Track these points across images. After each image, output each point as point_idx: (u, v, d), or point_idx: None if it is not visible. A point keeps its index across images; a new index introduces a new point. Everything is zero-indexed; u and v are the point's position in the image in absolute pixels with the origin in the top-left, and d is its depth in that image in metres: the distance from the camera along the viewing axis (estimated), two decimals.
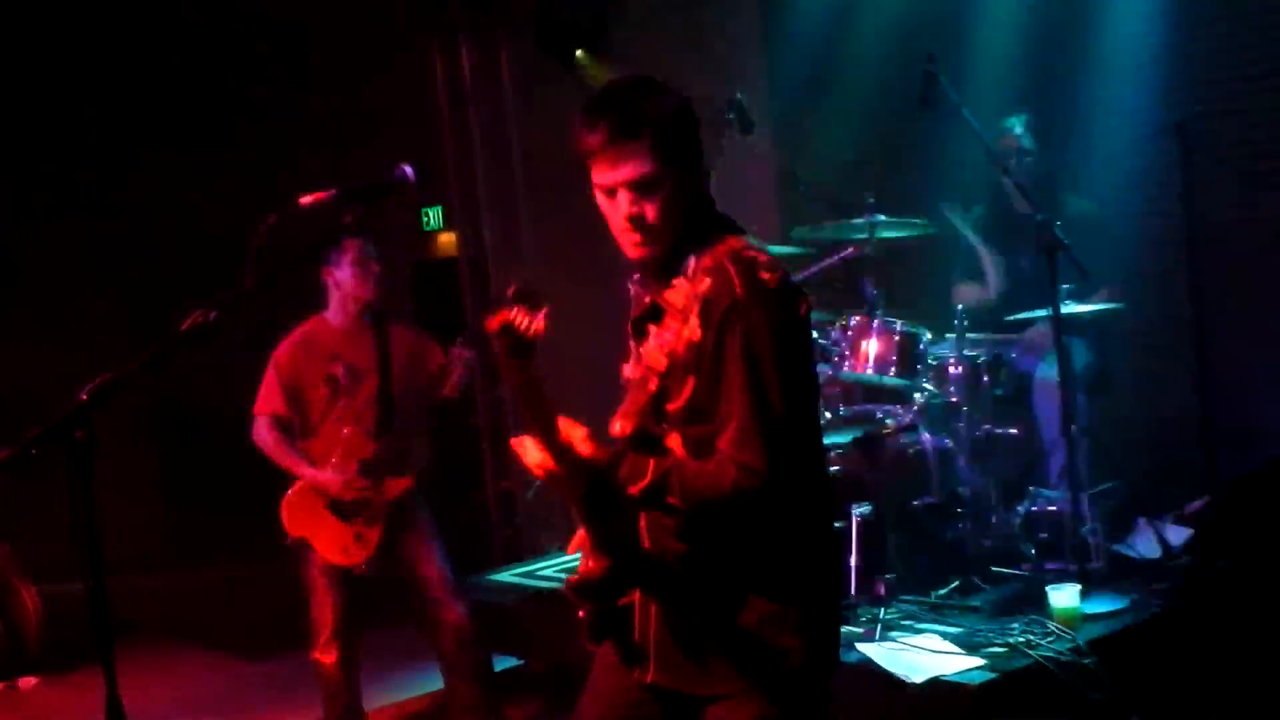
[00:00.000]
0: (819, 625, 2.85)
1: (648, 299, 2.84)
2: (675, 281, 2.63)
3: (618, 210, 2.77)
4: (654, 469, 2.67)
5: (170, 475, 10.46)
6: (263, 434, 5.44)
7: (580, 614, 2.88)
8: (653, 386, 2.67)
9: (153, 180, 9.87)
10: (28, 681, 7.35)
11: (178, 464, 10.32)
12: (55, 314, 9.72)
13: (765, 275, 2.70)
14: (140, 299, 9.73)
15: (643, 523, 2.82)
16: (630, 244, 2.80)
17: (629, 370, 2.89)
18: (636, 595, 2.86)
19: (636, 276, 2.94)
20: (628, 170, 2.72)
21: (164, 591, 9.19)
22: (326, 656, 5.45)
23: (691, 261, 2.77)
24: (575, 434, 2.63)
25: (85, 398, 2.69)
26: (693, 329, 2.57)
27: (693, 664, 2.83)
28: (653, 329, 2.65)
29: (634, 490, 2.66)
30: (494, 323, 2.46)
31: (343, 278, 5.38)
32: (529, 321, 2.46)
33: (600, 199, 2.81)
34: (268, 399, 5.44)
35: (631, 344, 2.89)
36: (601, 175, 2.76)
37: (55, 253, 9.87)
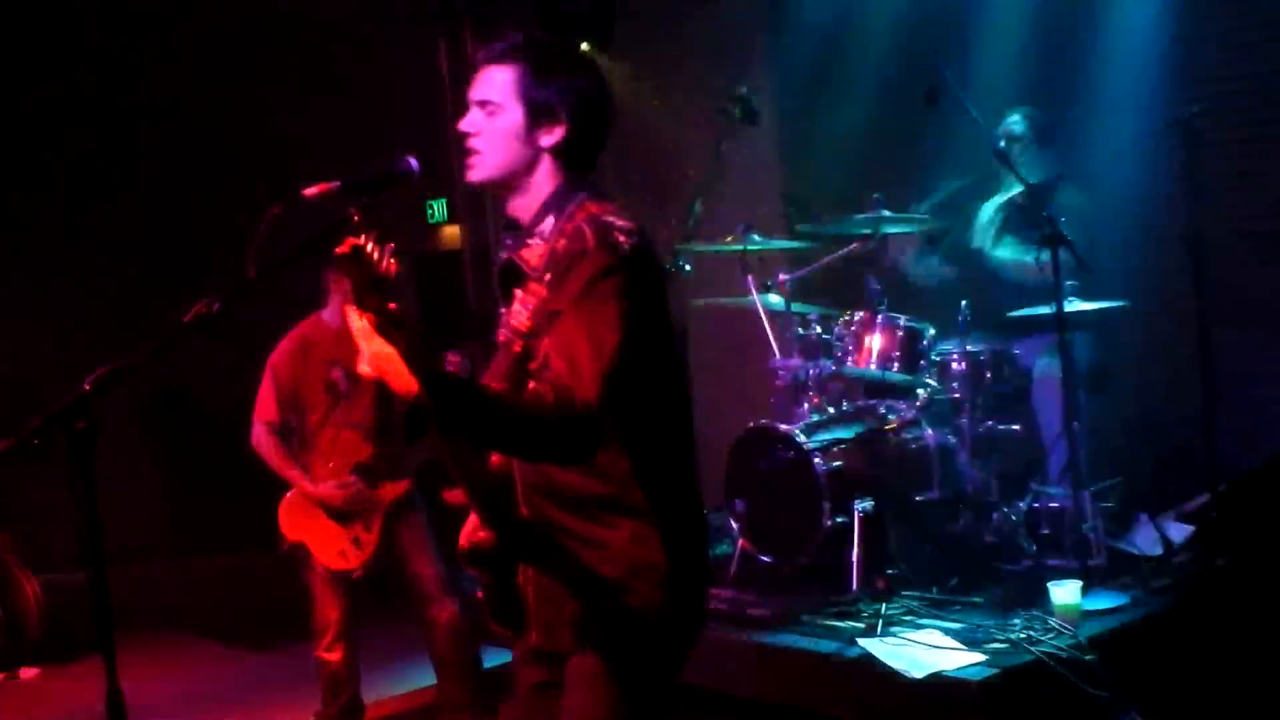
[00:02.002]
0: (682, 555, 2.89)
1: (504, 256, 2.94)
2: (531, 242, 2.83)
3: None
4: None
5: (172, 465, 10.45)
6: (261, 441, 5.46)
7: (479, 594, 2.98)
8: (517, 348, 2.80)
9: (155, 172, 9.87)
10: (29, 671, 7.36)
11: (180, 454, 10.31)
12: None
13: (620, 238, 2.78)
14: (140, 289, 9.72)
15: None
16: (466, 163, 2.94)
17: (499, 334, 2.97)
18: (523, 566, 2.93)
19: (509, 240, 3.02)
20: (479, 88, 2.91)
21: (165, 581, 9.18)
22: (332, 655, 5.47)
23: (550, 222, 2.88)
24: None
25: (87, 387, 2.69)
26: (543, 286, 2.73)
27: (561, 619, 2.89)
28: (517, 292, 2.81)
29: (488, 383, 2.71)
30: (344, 247, 2.48)
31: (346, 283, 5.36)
32: (380, 253, 2.48)
33: None
34: (266, 407, 5.45)
35: (500, 306, 3.00)
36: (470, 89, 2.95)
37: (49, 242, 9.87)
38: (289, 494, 5.45)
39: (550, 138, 2.90)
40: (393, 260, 2.49)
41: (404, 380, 2.58)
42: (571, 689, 2.90)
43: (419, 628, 5.54)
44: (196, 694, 6.74)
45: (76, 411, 2.65)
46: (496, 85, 2.89)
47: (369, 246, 2.47)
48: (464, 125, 2.92)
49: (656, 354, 2.86)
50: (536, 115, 2.88)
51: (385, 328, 2.56)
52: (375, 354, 2.59)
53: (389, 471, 5.46)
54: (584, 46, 8.02)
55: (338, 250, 2.48)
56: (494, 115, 2.89)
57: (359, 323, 2.59)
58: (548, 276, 2.77)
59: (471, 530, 2.96)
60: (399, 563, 5.48)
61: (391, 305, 2.52)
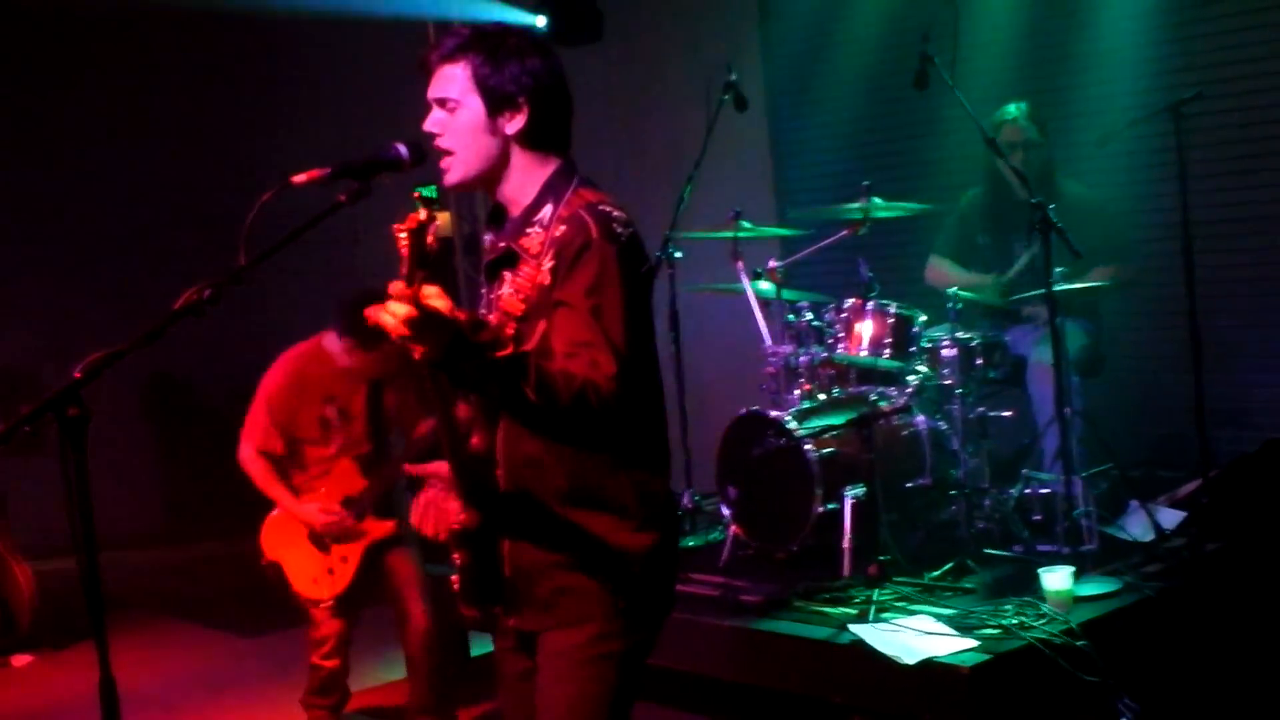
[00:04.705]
0: (658, 539, 2.97)
1: (502, 244, 2.97)
2: (530, 230, 2.87)
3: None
4: (513, 349, 2.72)
5: (164, 451, 10.46)
6: (250, 461, 5.44)
7: (454, 579, 3.01)
8: (509, 331, 2.85)
9: (156, 159, 9.87)
10: (21, 659, 7.36)
11: (172, 440, 10.32)
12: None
13: (619, 229, 2.84)
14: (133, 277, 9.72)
15: (499, 436, 2.93)
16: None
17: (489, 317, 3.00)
18: (505, 545, 2.97)
19: (492, 226, 3.07)
20: (436, 87, 2.95)
21: (158, 568, 9.21)
22: (329, 663, 5.48)
23: (548, 209, 2.91)
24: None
25: (78, 375, 2.69)
26: (545, 273, 2.78)
27: (537, 598, 2.95)
28: (508, 275, 2.88)
29: (498, 355, 2.66)
30: (409, 222, 2.48)
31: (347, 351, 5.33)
32: (433, 229, 2.51)
33: None
34: (255, 432, 5.43)
35: (483, 290, 3.06)
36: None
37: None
38: (273, 512, 5.47)
39: (513, 125, 2.93)
40: (434, 240, 2.52)
41: (440, 342, 2.53)
42: (545, 666, 2.97)
43: (395, 625, 5.54)
44: (189, 680, 6.75)
45: (68, 398, 2.65)
46: (453, 82, 2.92)
47: (429, 224, 2.49)
48: (428, 126, 2.95)
49: (646, 344, 2.91)
50: (496, 105, 2.91)
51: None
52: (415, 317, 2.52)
53: (377, 508, 5.46)
54: (538, 25, 7.98)
55: (402, 225, 2.48)
56: (455, 111, 2.92)
57: (404, 309, 2.54)
58: (549, 263, 2.80)
59: (451, 516, 3.01)
60: (381, 565, 5.47)
61: (432, 285, 2.54)
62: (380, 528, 5.45)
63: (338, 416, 5.44)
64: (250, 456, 5.43)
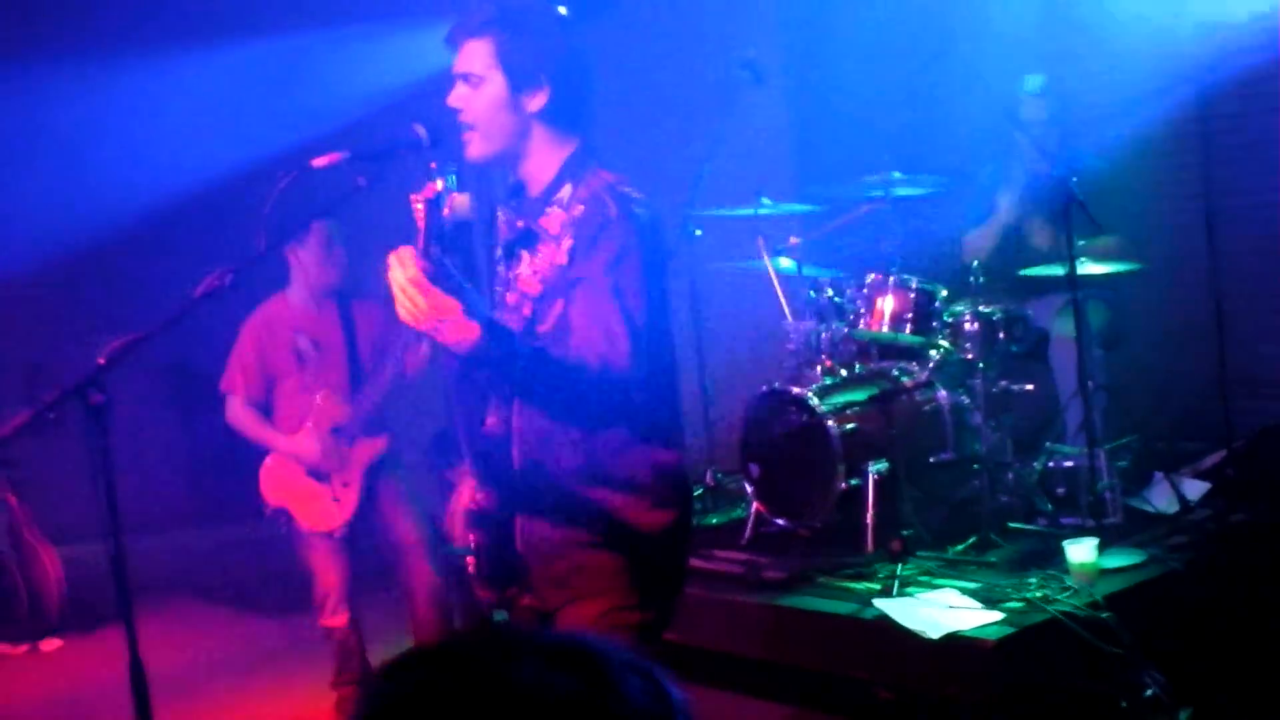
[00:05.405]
0: (673, 516, 2.99)
1: (519, 223, 2.99)
2: (549, 210, 2.88)
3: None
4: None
5: (189, 435, 10.49)
6: (237, 413, 5.54)
7: (470, 561, 3.03)
8: (526, 311, 2.88)
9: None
10: (50, 643, 7.40)
11: (197, 423, 10.34)
12: None
13: (638, 209, 2.86)
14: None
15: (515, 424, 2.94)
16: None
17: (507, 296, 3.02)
18: (520, 524, 2.98)
19: (510, 203, 3.10)
20: (460, 63, 2.96)
21: (184, 551, 9.23)
22: (336, 621, 5.52)
23: (568, 189, 2.92)
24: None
25: (102, 361, 2.70)
26: (562, 254, 2.80)
27: (553, 575, 2.96)
28: (526, 255, 2.90)
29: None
30: (426, 192, 2.53)
31: (307, 260, 5.43)
32: (454, 201, 2.54)
33: None
34: (235, 380, 5.52)
35: (500, 268, 3.08)
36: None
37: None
38: (268, 459, 5.53)
39: (536, 102, 2.94)
40: (450, 212, 2.56)
41: (458, 330, 2.59)
42: None
43: (400, 593, 5.58)
44: (216, 663, 6.78)
45: (91, 385, 2.67)
46: (477, 57, 2.94)
47: (445, 196, 2.51)
48: (451, 100, 2.96)
49: (663, 322, 2.92)
50: (519, 82, 2.93)
51: (444, 277, 2.58)
52: (432, 305, 2.59)
53: (365, 430, 5.50)
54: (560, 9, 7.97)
55: (419, 195, 2.51)
56: (478, 87, 2.93)
57: (412, 272, 2.59)
58: (567, 242, 2.81)
59: (468, 496, 3.03)
60: (381, 529, 5.52)
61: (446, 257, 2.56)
62: (373, 446, 5.50)
63: (311, 347, 5.50)
64: (237, 410, 5.53)
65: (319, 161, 2.88)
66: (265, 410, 5.56)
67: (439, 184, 2.50)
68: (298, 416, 5.50)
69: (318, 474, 5.45)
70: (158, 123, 8.86)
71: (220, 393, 5.57)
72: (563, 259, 2.82)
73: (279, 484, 5.51)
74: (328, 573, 5.49)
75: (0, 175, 8.70)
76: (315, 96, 7.84)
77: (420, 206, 2.51)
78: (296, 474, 5.47)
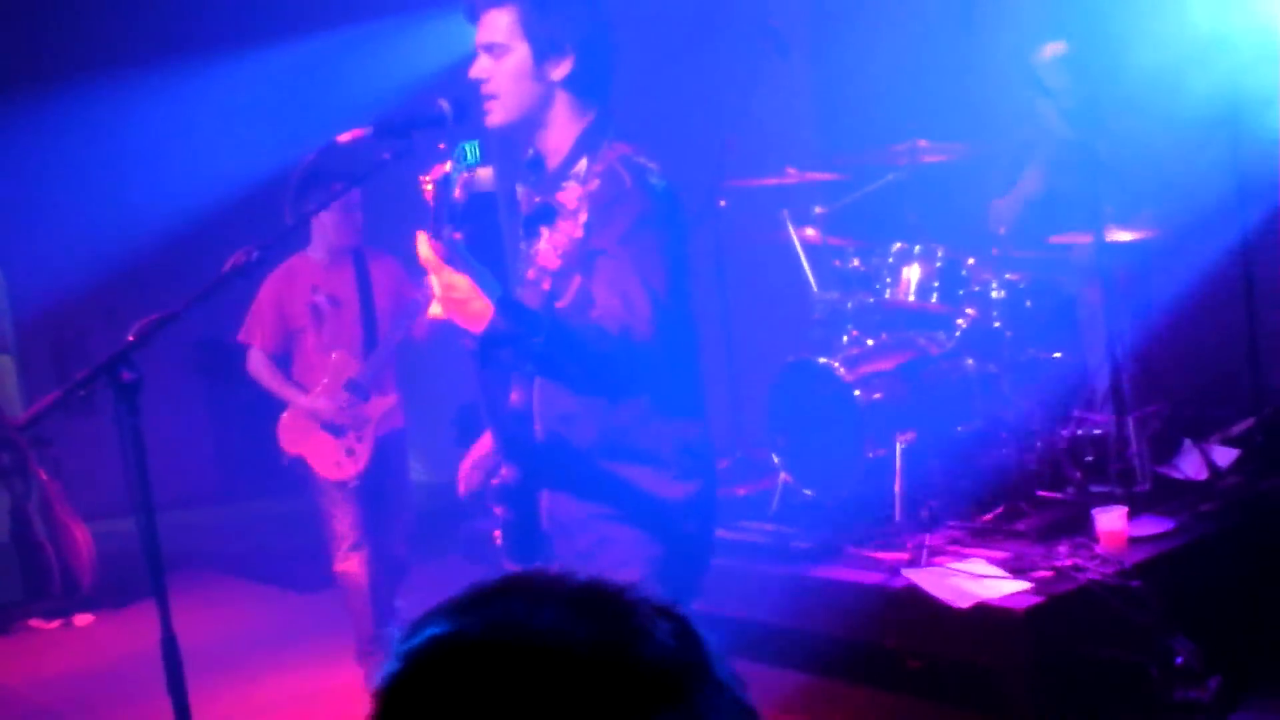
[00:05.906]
0: (696, 488, 2.99)
1: (538, 199, 2.99)
2: (566, 184, 2.87)
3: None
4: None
5: (219, 412, 10.55)
6: (256, 364, 5.68)
7: (497, 533, 3.05)
8: (546, 286, 2.86)
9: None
10: (83, 618, 7.47)
11: (226, 400, 10.40)
12: None
13: (653, 179, 2.87)
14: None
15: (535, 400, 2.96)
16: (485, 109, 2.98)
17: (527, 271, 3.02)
18: (544, 498, 3.00)
19: (529, 178, 3.11)
20: (483, 33, 2.95)
21: (215, 526, 9.29)
22: (349, 565, 5.59)
23: (584, 163, 2.92)
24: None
25: (132, 338, 2.72)
26: (579, 228, 2.79)
27: (579, 551, 2.96)
28: (545, 230, 2.89)
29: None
30: (435, 173, 2.55)
31: (327, 221, 5.51)
32: (468, 178, 2.55)
33: None
34: (255, 331, 5.65)
35: (521, 244, 3.07)
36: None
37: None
38: (285, 412, 5.67)
39: (560, 71, 2.93)
40: (461, 192, 2.56)
41: (473, 309, 2.60)
42: None
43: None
44: (248, 636, 6.83)
45: (122, 362, 2.68)
46: (500, 28, 2.93)
47: (456, 175, 2.51)
48: (474, 72, 2.96)
49: (683, 291, 2.92)
50: (543, 51, 2.92)
51: (455, 256, 2.58)
52: (446, 284, 2.60)
53: (377, 386, 5.62)
54: None
55: (428, 176, 2.53)
56: (501, 58, 2.93)
57: (428, 253, 2.60)
58: (583, 216, 2.81)
59: (474, 468, 3.09)
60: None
61: (457, 235, 2.56)
62: (384, 403, 5.64)
63: (327, 303, 5.61)
64: (256, 362, 5.66)
65: (343, 137, 2.89)
66: (284, 365, 5.70)
67: (448, 165, 2.50)
68: (314, 374, 5.63)
69: (333, 428, 5.56)
70: (192, 133, 8.99)
71: (239, 344, 5.67)
72: (579, 233, 2.82)
73: (295, 435, 5.67)
74: (342, 518, 5.62)
75: (50, 193, 8.86)
76: (351, 92, 7.88)
77: (430, 187, 2.51)
78: (312, 427, 5.61)
